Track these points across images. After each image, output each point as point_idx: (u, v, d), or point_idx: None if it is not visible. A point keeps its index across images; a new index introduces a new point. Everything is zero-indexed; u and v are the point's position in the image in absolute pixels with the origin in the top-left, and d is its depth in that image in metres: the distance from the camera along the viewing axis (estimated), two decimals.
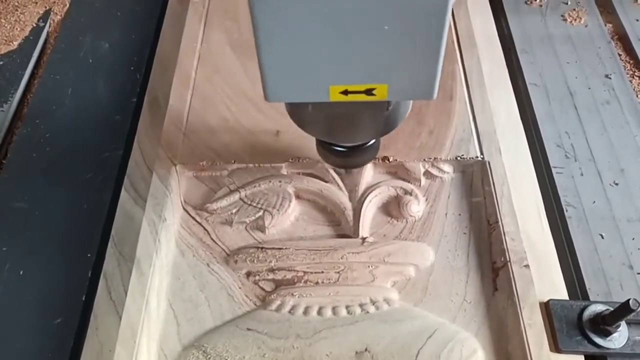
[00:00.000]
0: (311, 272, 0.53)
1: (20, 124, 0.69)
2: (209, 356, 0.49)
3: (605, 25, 0.78)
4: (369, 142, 0.49)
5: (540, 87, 0.70)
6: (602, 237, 0.57)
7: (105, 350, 0.48)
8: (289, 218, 0.58)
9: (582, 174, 0.62)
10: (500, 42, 0.73)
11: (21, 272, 0.56)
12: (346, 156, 0.49)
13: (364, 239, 0.55)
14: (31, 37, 0.78)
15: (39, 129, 0.67)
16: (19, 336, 0.52)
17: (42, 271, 0.56)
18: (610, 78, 0.71)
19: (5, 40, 0.77)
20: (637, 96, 0.69)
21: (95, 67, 0.74)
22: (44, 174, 0.63)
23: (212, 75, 0.68)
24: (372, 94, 0.36)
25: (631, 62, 0.74)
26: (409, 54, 0.33)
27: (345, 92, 0.36)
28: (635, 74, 0.72)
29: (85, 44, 0.76)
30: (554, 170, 0.63)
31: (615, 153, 0.64)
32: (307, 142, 0.61)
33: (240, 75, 0.68)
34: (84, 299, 0.54)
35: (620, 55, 0.75)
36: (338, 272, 0.53)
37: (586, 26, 0.77)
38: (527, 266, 0.52)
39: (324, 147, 0.50)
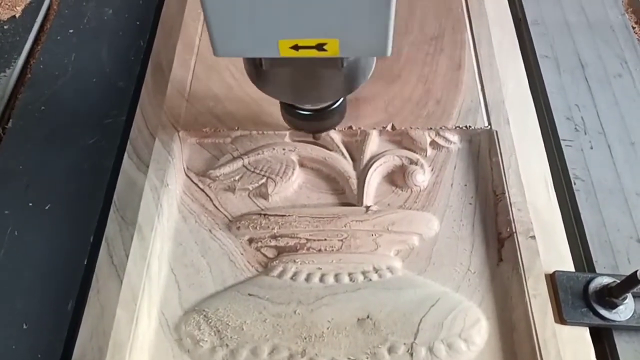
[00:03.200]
0: (314, 240, 0.53)
1: (23, 90, 0.68)
2: (209, 320, 0.49)
3: None
4: (331, 104, 0.48)
5: (551, 59, 0.69)
6: (610, 211, 0.56)
7: (106, 313, 0.48)
8: (293, 186, 0.57)
9: (591, 147, 0.61)
10: (511, 12, 0.71)
11: (23, 236, 0.56)
12: (309, 120, 0.48)
13: (367, 207, 0.54)
14: (34, 3, 0.77)
15: (41, 95, 0.66)
16: (21, 299, 0.52)
17: (44, 235, 0.56)
18: (623, 50, 0.69)
19: (9, 6, 0.76)
20: None
21: (99, 33, 0.73)
22: (46, 139, 0.63)
23: None
24: (324, 50, 0.35)
25: None
26: (358, 7, 0.32)
27: (296, 47, 0.35)
28: None
29: (88, 10, 0.75)
30: (563, 143, 0.61)
31: (626, 126, 0.63)
32: None
33: None
34: (85, 262, 0.54)
35: (634, 27, 0.73)
36: (341, 240, 0.52)
37: None
38: (533, 237, 0.51)
39: (287, 111, 0.49)
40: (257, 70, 0.43)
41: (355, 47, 0.35)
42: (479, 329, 0.48)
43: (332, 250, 0.52)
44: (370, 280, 0.50)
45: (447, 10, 0.70)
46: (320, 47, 0.35)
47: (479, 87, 0.62)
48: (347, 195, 0.56)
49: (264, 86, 0.44)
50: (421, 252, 0.53)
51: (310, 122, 0.49)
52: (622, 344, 0.48)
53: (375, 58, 0.44)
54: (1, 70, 0.70)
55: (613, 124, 0.63)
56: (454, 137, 0.59)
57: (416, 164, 0.57)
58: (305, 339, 0.47)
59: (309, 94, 0.44)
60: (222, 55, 0.36)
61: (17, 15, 0.76)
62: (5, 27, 0.74)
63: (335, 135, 0.58)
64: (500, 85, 0.62)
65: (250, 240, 0.54)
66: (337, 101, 0.49)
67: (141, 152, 0.58)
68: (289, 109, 0.49)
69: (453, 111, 0.60)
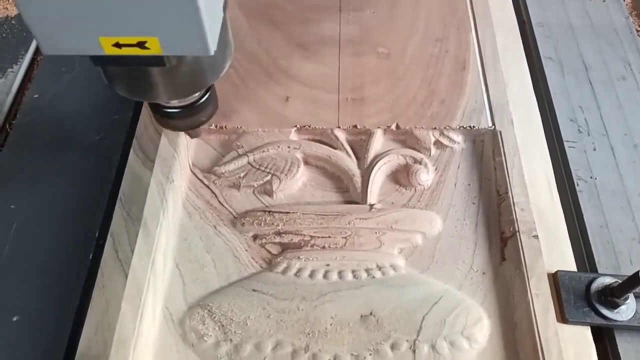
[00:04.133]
0: (318, 237, 0.53)
1: (30, 85, 0.69)
2: (214, 315, 0.49)
3: (624, 0, 0.77)
4: (200, 99, 0.47)
5: (555, 61, 0.69)
6: (612, 212, 0.57)
7: (111, 307, 0.49)
8: (297, 183, 0.57)
9: (594, 149, 0.61)
10: (516, 14, 0.72)
11: (29, 231, 0.56)
12: (171, 117, 0.48)
13: (371, 205, 0.55)
14: None
15: (48, 91, 0.67)
16: (26, 292, 0.52)
17: (49, 230, 0.56)
18: (626, 53, 0.70)
19: None
20: None
21: None
22: (53, 134, 0.63)
23: None
24: (146, 48, 0.35)
25: None
26: (168, 5, 0.32)
27: (118, 45, 0.35)
28: None
29: None
30: (566, 145, 0.62)
31: (630, 129, 0.63)
32: (317, 109, 0.61)
33: (251, 40, 0.68)
34: (91, 257, 0.54)
35: (638, 30, 0.73)
36: (345, 237, 0.53)
37: (604, 1, 0.76)
38: (536, 237, 0.51)
39: (155, 110, 0.48)
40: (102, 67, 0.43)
41: (176, 46, 0.35)
42: (481, 327, 0.48)
43: (336, 247, 0.53)
44: (374, 277, 0.51)
45: (452, 11, 0.70)
46: (142, 45, 0.35)
47: (484, 88, 0.62)
48: (351, 194, 0.57)
49: (108, 81, 0.44)
50: (424, 250, 0.53)
51: (174, 120, 0.49)
52: (624, 344, 0.49)
53: (228, 58, 0.44)
54: (9, 66, 0.70)
55: (616, 126, 0.63)
56: (458, 137, 0.59)
57: (420, 163, 0.57)
58: (309, 334, 0.48)
59: (149, 91, 0.43)
60: (49, 53, 0.36)
61: None
62: (13, 23, 0.75)
63: (340, 134, 0.59)
64: (504, 86, 0.62)
65: (255, 237, 0.54)
66: (201, 98, 0.48)
67: (147, 149, 0.58)
68: (153, 107, 0.48)
69: (457, 111, 0.60)
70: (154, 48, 0.35)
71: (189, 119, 0.49)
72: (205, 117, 0.49)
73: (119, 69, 0.41)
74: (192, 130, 0.52)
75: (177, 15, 0.33)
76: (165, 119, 0.49)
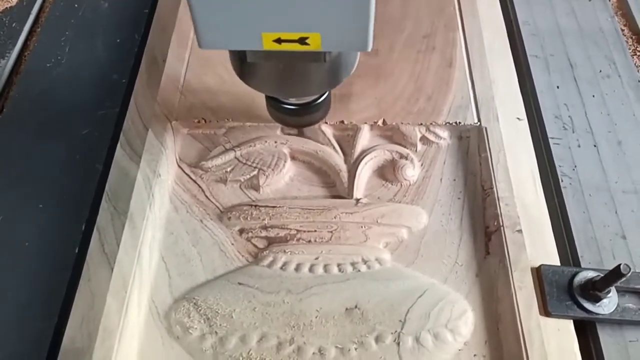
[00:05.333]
0: (304, 231, 0.53)
1: (17, 80, 0.69)
2: (199, 308, 0.49)
3: (609, 0, 0.77)
4: (316, 99, 0.48)
5: (541, 59, 0.70)
6: (596, 208, 0.57)
7: (96, 300, 0.49)
8: (284, 178, 0.58)
9: (579, 146, 0.62)
10: (503, 13, 0.72)
11: (15, 224, 0.56)
12: (293, 114, 0.49)
13: (358, 200, 0.55)
14: None
15: (35, 86, 0.67)
16: (12, 286, 0.52)
17: (36, 223, 0.56)
18: (611, 52, 0.70)
19: None
20: (638, 71, 0.69)
21: (94, 25, 0.73)
22: (40, 129, 0.63)
23: None
24: (306, 44, 0.35)
25: (633, 37, 0.74)
26: (340, 2, 0.33)
27: (279, 41, 0.35)
28: (638, 49, 0.72)
29: (84, 3, 0.75)
30: (551, 141, 0.62)
31: (614, 126, 0.64)
32: None
33: None
34: (77, 251, 0.54)
35: (622, 30, 0.74)
36: (331, 232, 0.53)
37: (590, 0, 0.77)
38: (519, 231, 0.52)
39: (272, 104, 0.49)
40: (242, 63, 0.43)
41: (336, 42, 0.36)
42: (465, 320, 0.49)
43: (322, 241, 0.53)
44: (359, 271, 0.51)
45: (439, 9, 0.70)
46: (302, 40, 0.35)
47: (470, 84, 0.63)
48: (337, 188, 0.57)
49: (248, 79, 0.45)
50: (410, 244, 0.54)
51: (294, 116, 0.50)
52: (606, 337, 0.49)
53: (358, 54, 0.45)
54: None
55: (600, 123, 0.64)
56: (444, 133, 0.60)
57: (406, 158, 0.58)
58: (294, 327, 0.48)
59: (293, 87, 0.45)
60: (207, 48, 0.36)
61: (12, 7, 0.76)
62: (0, 18, 0.75)
63: (326, 129, 0.59)
64: (490, 83, 0.63)
65: (241, 231, 0.54)
66: (322, 95, 0.49)
67: (134, 143, 0.58)
68: (273, 103, 0.49)
69: (443, 108, 0.60)
70: (314, 44, 0.35)
71: (310, 116, 0.50)
72: (323, 115, 0.51)
73: (268, 64, 0.41)
74: (304, 126, 0.54)
75: (346, 12, 0.33)
76: (285, 115, 0.49)
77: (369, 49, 0.36)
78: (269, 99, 0.50)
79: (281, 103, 0.49)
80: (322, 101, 0.49)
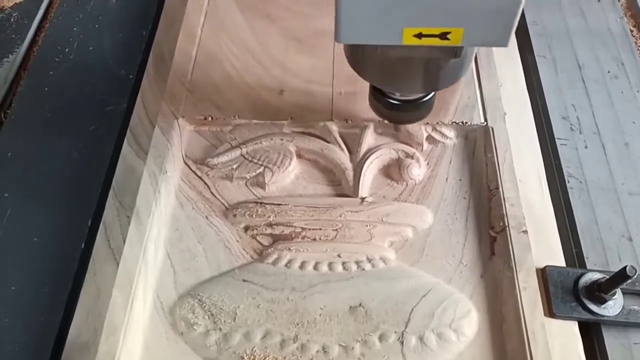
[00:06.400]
0: (309, 229, 0.53)
1: (25, 76, 0.69)
2: (204, 305, 0.49)
3: (619, 1, 0.77)
4: (425, 96, 0.48)
5: (549, 59, 0.69)
6: (603, 209, 0.57)
7: (102, 295, 0.49)
8: (289, 176, 0.58)
9: (586, 147, 0.62)
10: None
11: (22, 219, 0.56)
12: (400, 110, 0.49)
13: (363, 198, 0.55)
14: None
15: (44, 81, 0.67)
16: (19, 280, 0.52)
17: (42, 218, 0.56)
18: (620, 53, 0.70)
19: None
20: None
21: (102, 21, 0.73)
22: (47, 124, 0.63)
23: (218, 33, 0.68)
24: (447, 39, 0.35)
25: None
26: None
27: (419, 35, 0.35)
28: None
29: None
30: (558, 142, 0.62)
31: (621, 127, 0.63)
32: (311, 102, 0.62)
33: (246, 33, 0.68)
34: (83, 246, 0.54)
35: (631, 31, 0.73)
36: (336, 230, 0.53)
37: (599, 0, 0.76)
38: (525, 232, 0.52)
39: (378, 99, 0.49)
40: (364, 56, 0.43)
41: (477, 37, 0.35)
42: (469, 320, 0.49)
43: (327, 239, 0.53)
44: (364, 269, 0.51)
45: None
46: (443, 35, 0.35)
47: (477, 84, 0.62)
48: (343, 187, 0.57)
49: (366, 72, 0.44)
50: (415, 243, 0.54)
51: (399, 113, 0.50)
52: (610, 339, 0.49)
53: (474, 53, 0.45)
54: (4, 56, 0.70)
55: (608, 125, 0.63)
56: (450, 133, 0.60)
57: (412, 157, 0.58)
58: (298, 324, 0.48)
59: (413, 82, 0.44)
60: (345, 42, 0.36)
61: (21, 2, 0.76)
62: (9, 13, 0.75)
63: (333, 128, 0.59)
64: (497, 83, 0.62)
65: (246, 228, 0.54)
66: (429, 94, 0.49)
67: (141, 140, 0.59)
68: (378, 97, 0.49)
69: (450, 107, 0.60)
70: (454, 39, 0.35)
71: (413, 113, 0.50)
72: (426, 114, 0.51)
73: (397, 58, 0.41)
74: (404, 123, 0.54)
75: (495, 6, 0.33)
76: (388, 110, 0.49)
77: (507, 45, 0.35)
78: (373, 92, 0.50)
79: (386, 97, 0.49)
80: (429, 99, 0.49)
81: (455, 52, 0.39)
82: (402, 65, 0.42)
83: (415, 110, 0.50)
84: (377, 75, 0.45)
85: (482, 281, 0.51)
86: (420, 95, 0.48)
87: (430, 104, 0.50)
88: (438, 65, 0.42)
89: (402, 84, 0.45)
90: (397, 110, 0.49)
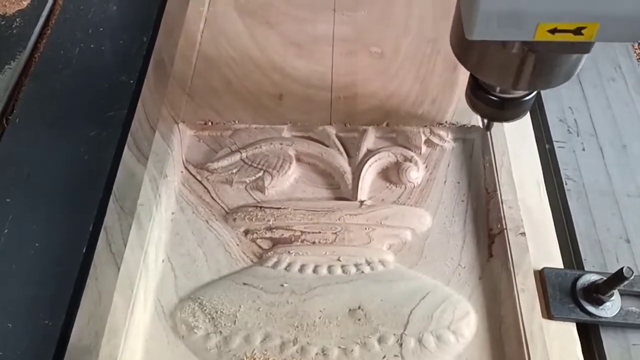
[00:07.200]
0: (308, 232, 0.54)
1: (27, 82, 0.70)
2: (204, 308, 0.50)
3: None
4: (526, 94, 0.48)
5: None
6: (600, 211, 0.57)
7: (103, 299, 0.49)
8: (289, 180, 0.58)
9: (583, 149, 0.62)
10: None
11: (24, 223, 0.57)
12: (501, 107, 0.49)
13: (362, 202, 0.55)
14: None
15: (45, 87, 0.68)
16: (21, 284, 0.53)
17: (44, 223, 0.57)
18: (617, 56, 0.70)
19: (16, 0, 0.78)
20: None
21: (102, 28, 0.74)
22: (49, 129, 0.64)
23: (218, 38, 0.69)
24: (581, 34, 0.34)
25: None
26: None
27: (553, 31, 0.34)
28: None
29: (93, 5, 0.76)
30: (555, 145, 0.62)
31: (618, 129, 0.64)
32: (310, 107, 0.62)
33: (245, 38, 0.69)
34: (84, 250, 0.55)
35: None
36: (335, 233, 0.54)
37: None
38: (523, 234, 0.52)
39: (478, 96, 0.49)
40: (487, 51, 0.42)
41: (612, 32, 0.34)
42: (467, 322, 0.49)
43: (326, 242, 0.53)
44: (363, 272, 0.51)
45: (444, 12, 0.71)
46: (578, 31, 0.34)
47: None
48: (342, 190, 0.57)
49: (480, 69, 0.44)
50: (413, 246, 0.54)
51: (500, 111, 0.50)
52: (609, 340, 0.49)
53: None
54: (7, 62, 0.71)
55: (605, 127, 0.64)
56: (449, 136, 0.60)
57: (411, 161, 0.58)
58: (297, 327, 0.48)
59: (527, 79, 0.43)
60: (479, 38, 0.35)
61: (23, 9, 0.77)
62: (11, 20, 0.76)
63: (331, 132, 0.60)
64: None
65: (246, 232, 0.55)
66: (531, 92, 0.49)
67: (141, 145, 0.59)
68: (480, 94, 0.49)
69: (448, 110, 0.61)
70: (588, 35, 0.34)
71: (514, 110, 0.50)
72: (527, 110, 0.51)
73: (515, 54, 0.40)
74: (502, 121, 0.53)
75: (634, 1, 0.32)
76: (492, 109, 0.49)
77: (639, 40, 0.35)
78: (474, 87, 0.50)
79: (488, 94, 0.48)
80: (531, 98, 0.49)
81: (587, 47, 0.38)
82: (520, 60, 0.41)
83: (519, 107, 0.49)
84: (495, 74, 0.44)
85: (481, 283, 0.52)
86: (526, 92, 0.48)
87: (533, 100, 0.50)
88: (557, 61, 0.41)
89: (520, 81, 0.44)
90: (500, 108, 0.49)
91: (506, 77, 0.43)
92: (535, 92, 0.49)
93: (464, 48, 0.44)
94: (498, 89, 0.48)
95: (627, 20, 0.34)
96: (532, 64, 0.41)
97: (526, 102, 0.49)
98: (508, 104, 0.49)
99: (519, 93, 0.48)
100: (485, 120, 0.56)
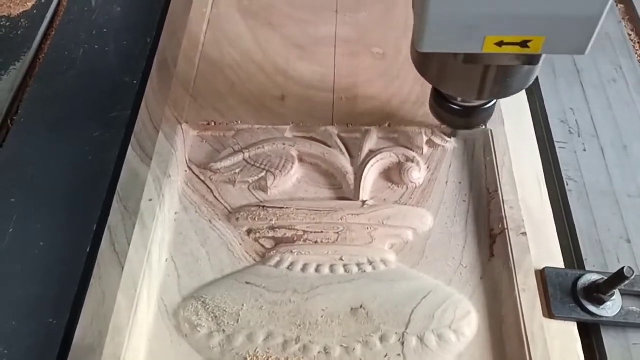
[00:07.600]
0: (311, 232, 0.54)
1: (32, 82, 0.70)
2: (207, 307, 0.50)
3: (617, 5, 0.78)
4: (486, 102, 0.50)
5: (547, 63, 0.70)
6: (601, 211, 0.58)
7: (107, 298, 0.50)
8: (291, 180, 0.58)
9: (584, 150, 0.63)
10: None
11: (28, 223, 0.57)
12: (463, 116, 0.51)
13: (364, 202, 0.56)
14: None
15: (49, 88, 0.68)
16: (25, 283, 0.53)
17: (48, 223, 0.57)
18: (618, 57, 0.71)
19: (21, 1, 0.79)
20: None
21: (106, 29, 0.74)
22: (53, 130, 0.64)
23: (221, 40, 0.69)
24: (527, 47, 0.35)
25: None
26: (575, 5, 0.33)
27: (500, 44, 0.36)
28: None
29: (97, 7, 0.77)
30: (557, 145, 0.63)
31: (619, 130, 0.64)
32: (312, 107, 0.63)
33: (248, 40, 0.69)
34: (88, 250, 0.55)
35: (630, 35, 0.74)
36: (337, 233, 0.54)
37: None
38: (524, 234, 0.52)
39: (441, 106, 0.51)
40: (441, 64, 0.44)
41: (557, 45, 0.35)
42: (469, 321, 0.49)
43: (328, 242, 0.54)
44: (365, 271, 0.52)
45: None
46: (524, 44, 0.35)
47: None
48: (344, 190, 0.58)
49: (439, 81, 0.46)
50: (415, 246, 0.54)
51: (463, 119, 0.52)
52: (609, 340, 0.49)
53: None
54: (11, 63, 0.72)
55: (606, 128, 0.64)
56: (450, 136, 0.60)
57: (412, 161, 0.58)
58: (300, 326, 0.49)
59: (483, 89, 0.45)
60: (428, 50, 0.37)
61: (27, 11, 0.78)
62: (16, 21, 0.76)
63: (334, 132, 0.60)
64: None
65: (249, 231, 0.55)
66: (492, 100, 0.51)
67: (145, 145, 0.60)
68: (443, 104, 0.51)
69: None
70: (534, 47, 0.36)
71: (469, 119, 0.52)
72: (489, 117, 0.53)
73: (467, 67, 0.42)
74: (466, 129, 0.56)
75: (579, 15, 0.33)
76: (451, 115, 0.52)
77: (587, 53, 0.36)
78: (436, 98, 0.52)
79: (450, 103, 0.50)
80: (492, 105, 0.51)
81: (536, 60, 0.39)
82: (475, 72, 0.43)
83: (481, 114, 0.51)
84: (451, 85, 0.46)
85: (482, 283, 0.52)
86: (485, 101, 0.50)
87: (494, 107, 0.52)
88: (511, 72, 0.43)
89: (476, 91, 0.46)
90: (462, 116, 0.51)
91: (463, 88, 0.45)
92: (491, 102, 0.51)
93: (422, 62, 0.46)
94: (459, 98, 0.50)
95: (570, 34, 0.35)
96: (485, 75, 0.43)
97: (489, 109, 0.51)
98: (471, 112, 0.50)
99: (480, 102, 0.50)
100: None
